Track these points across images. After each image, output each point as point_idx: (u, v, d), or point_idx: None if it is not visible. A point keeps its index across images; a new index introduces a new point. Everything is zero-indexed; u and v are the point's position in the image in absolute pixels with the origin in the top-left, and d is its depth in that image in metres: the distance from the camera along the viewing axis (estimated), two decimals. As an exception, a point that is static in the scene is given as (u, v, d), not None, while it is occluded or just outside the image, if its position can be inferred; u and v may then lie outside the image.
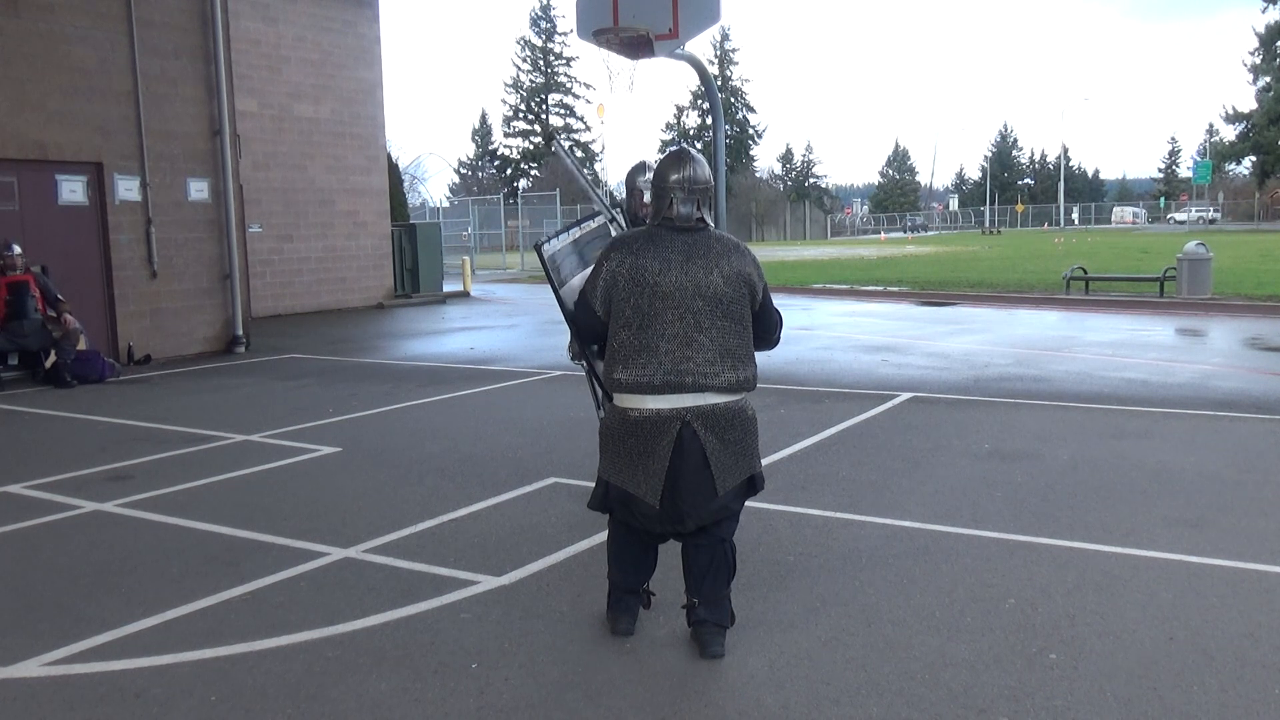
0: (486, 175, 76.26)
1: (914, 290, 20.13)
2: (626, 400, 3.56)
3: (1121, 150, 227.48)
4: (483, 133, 79.43)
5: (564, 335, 11.79)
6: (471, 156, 78.66)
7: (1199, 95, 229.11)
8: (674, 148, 3.78)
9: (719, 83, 73.14)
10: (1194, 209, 70.23)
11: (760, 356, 3.73)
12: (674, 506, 3.53)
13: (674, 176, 3.62)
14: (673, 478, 3.50)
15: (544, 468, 6.36)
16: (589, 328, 3.73)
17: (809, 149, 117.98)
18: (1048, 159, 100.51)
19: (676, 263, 3.51)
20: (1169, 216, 76.55)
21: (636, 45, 10.55)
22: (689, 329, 3.48)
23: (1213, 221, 66.92)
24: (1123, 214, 79.53)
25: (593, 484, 3.83)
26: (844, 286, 21.29)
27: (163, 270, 12.20)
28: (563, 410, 8.26)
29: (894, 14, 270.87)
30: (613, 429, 3.63)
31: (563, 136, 76.04)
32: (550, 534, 5.02)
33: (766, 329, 3.74)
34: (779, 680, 3.42)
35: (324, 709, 3.29)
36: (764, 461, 6.26)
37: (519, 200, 41.12)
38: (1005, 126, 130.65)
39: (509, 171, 75.66)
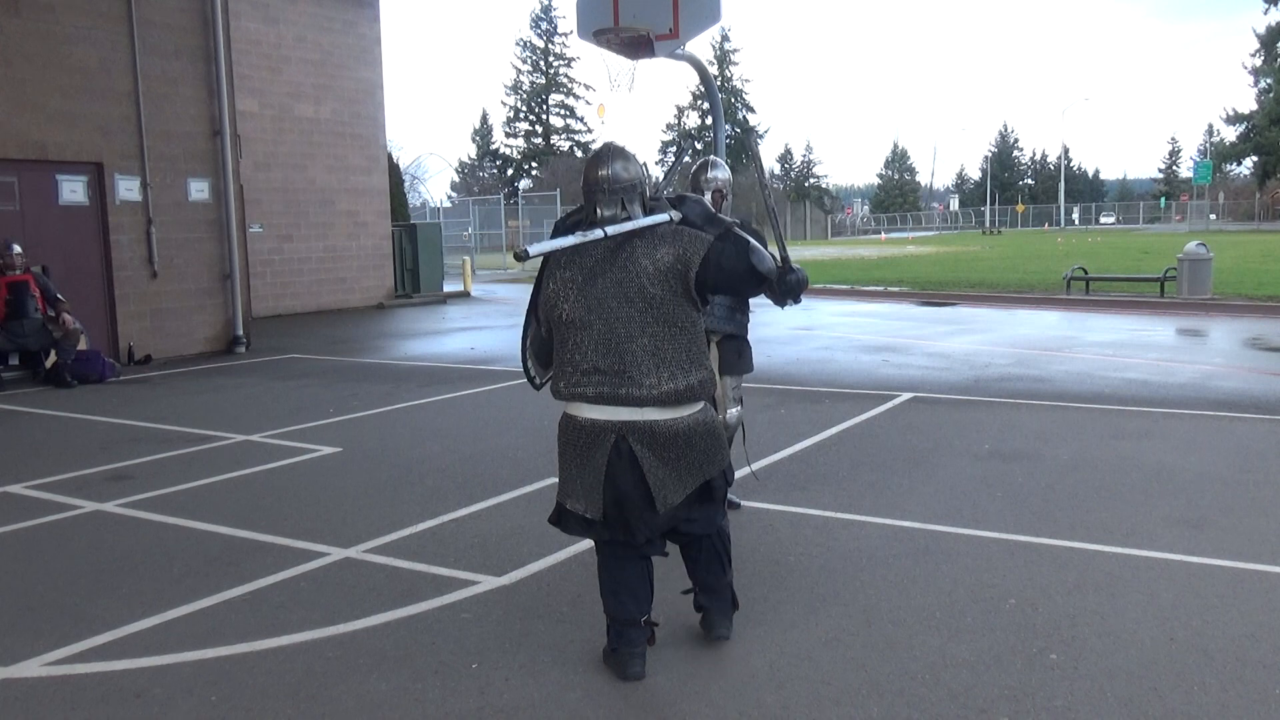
0: (487, 175, 76.26)
1: (914, 290, 20.13)
2: (570, 407, 3.46)
3: (1122, 150, 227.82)
4: (483, 133, 79.40)
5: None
6: (472, 157, 78.70)
7: (1200, 96, 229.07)
8: (599, 145, 3.54)
9: (719, 83, 73.10)
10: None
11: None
12: (619, 518, 3.37)
13: (594, 176, 3.39)
14: (611, 491, 3.33)
15: (544, 468, 6.34)
16: (537, 345, 3.61)
17: (809, 149, 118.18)
18: (1048, 159, 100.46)
19: (600, 270, 3.30)
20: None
21: (637, 45, 10.56)
22: (619, 339, 3.27)
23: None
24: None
25: None
26: (844, 287, 21.27)
27: (163, 270, 12.20)
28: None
29: (894, 14, 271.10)
30: (561, 432, 3.51)
31: (564, 137, 76.01)
32: (550, 534, 4.98)
33: (748, 280, 3.28)
34: (779, 680, 3.42)
35: (324, 709, 3.28)
36: (764, 461, 6.32)
37: (519, 200, 41.10)
38: (1005, 126, 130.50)
39: (509, 172, 75.67)
